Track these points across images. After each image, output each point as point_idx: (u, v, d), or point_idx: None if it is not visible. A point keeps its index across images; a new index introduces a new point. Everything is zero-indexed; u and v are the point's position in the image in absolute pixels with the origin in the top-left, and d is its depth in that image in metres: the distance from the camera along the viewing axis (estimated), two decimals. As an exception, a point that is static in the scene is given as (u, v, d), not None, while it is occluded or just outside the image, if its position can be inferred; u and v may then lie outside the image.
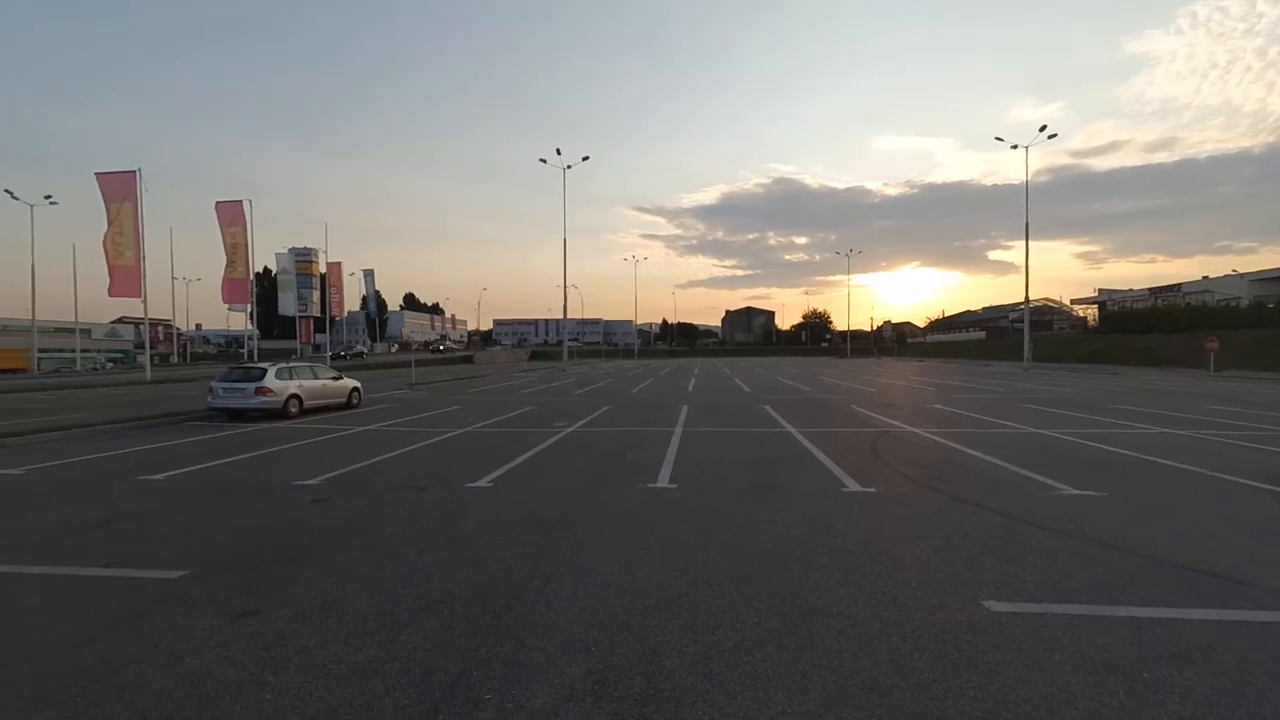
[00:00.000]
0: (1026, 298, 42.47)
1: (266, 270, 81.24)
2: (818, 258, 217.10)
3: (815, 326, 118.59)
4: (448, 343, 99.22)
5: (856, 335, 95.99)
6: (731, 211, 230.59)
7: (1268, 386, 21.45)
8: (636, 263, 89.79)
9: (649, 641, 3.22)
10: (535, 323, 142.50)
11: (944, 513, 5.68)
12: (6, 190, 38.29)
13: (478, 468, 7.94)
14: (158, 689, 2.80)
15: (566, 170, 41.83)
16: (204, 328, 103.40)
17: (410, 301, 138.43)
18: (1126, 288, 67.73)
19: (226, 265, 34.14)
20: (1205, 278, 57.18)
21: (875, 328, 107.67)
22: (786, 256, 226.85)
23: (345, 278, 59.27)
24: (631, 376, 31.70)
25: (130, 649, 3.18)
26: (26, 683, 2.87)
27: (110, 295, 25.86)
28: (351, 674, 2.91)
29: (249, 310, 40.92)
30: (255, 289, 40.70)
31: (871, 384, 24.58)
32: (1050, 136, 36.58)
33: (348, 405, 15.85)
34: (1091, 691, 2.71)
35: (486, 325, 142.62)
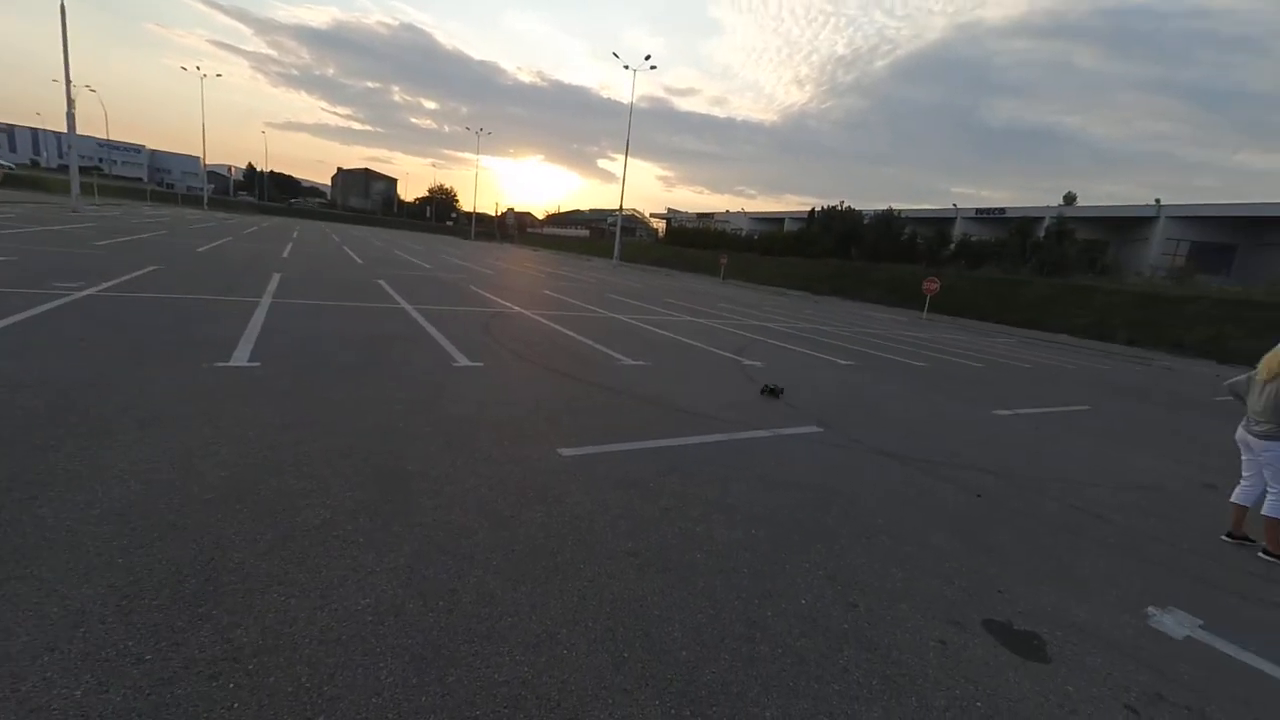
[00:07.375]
0: (620, 207, 50.16)
1: None
2: (447, 129, 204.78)
3: (441, 204, 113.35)
4: None
5: (482, 218, 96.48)
6: (348, 47, 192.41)
7: (746, 292, 31.73)
8: (205, 78, 65.78)
9: (210, 537, 2.78)
10: (11, 130, 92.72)
11: (538, 382, 6.54)
12: None
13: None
14: None
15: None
16: None
17: None
18: (685, 210, 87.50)
19: None
20: (727, 212, 78.36)
21: (500, 214, 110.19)
22: (414, 120, 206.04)
23: None
24: (198, 231, 24.31)
25: None
26: None
27: None
28: None
29: None
30: None
31: (492, 268, 25.41)
32: (652, 67, 42.38)
33: None
34: (620, 500, 3.70)
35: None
